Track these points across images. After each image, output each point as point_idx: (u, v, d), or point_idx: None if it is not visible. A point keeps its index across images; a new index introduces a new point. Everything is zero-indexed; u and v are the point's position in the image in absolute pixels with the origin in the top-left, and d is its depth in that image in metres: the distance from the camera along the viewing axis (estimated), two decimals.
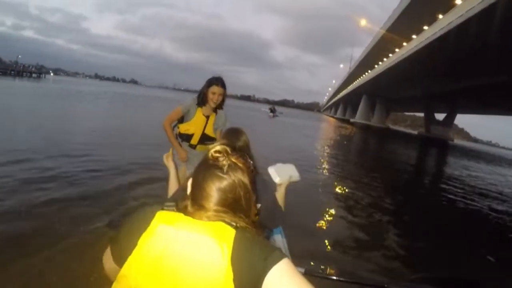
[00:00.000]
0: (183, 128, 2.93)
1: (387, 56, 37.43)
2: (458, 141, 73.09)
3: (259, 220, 1.44)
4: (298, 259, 1.74)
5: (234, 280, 0.71)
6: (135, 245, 0.77)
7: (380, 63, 41.46)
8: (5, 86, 28.99)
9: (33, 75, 69.49)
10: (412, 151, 24.42)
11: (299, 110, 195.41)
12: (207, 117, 2.90)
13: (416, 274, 2.76)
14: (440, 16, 22.42)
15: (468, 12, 17.10)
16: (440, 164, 18.55)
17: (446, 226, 5.29)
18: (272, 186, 1.79)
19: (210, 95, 2.77)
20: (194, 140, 2.96)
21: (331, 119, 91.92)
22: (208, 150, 0.85)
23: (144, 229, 0.78)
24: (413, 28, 27.97)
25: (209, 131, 2.94)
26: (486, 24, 15.94)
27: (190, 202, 0.86)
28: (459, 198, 7.95)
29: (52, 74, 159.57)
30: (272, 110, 43.59)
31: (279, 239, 2.06)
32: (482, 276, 3.02)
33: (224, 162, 0.82)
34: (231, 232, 0.77)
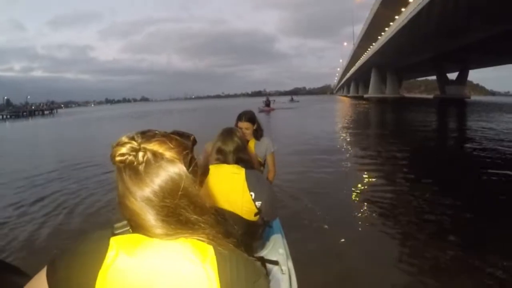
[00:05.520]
0: None
1: (388, 25, 36.98)
2: (475, 97, 70.79)
3: (260, 218, 1.64)
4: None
5: None
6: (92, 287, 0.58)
7: (382, 33, 40.96)
8: (22, 126, 30.02)
9: (45, 112, 71.56)
10: (430, 115, 23.95)
11: (312, 96, 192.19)
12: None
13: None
14: None
15: None
16: (460, 123, 18.19)
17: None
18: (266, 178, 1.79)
19: (239, 129, 2.91)
20: None
21: (345, 98, 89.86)
22: (113, 157, 0.61)
23: (99, 265, 0.58)
24: None
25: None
26: None
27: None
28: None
29: (63, 107, 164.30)
30: (268, 103, 31.14)
31: (279, 240, 1.96)
32: None
33: (140, 158, 0.60)
34: (208, 249, 0.62)
